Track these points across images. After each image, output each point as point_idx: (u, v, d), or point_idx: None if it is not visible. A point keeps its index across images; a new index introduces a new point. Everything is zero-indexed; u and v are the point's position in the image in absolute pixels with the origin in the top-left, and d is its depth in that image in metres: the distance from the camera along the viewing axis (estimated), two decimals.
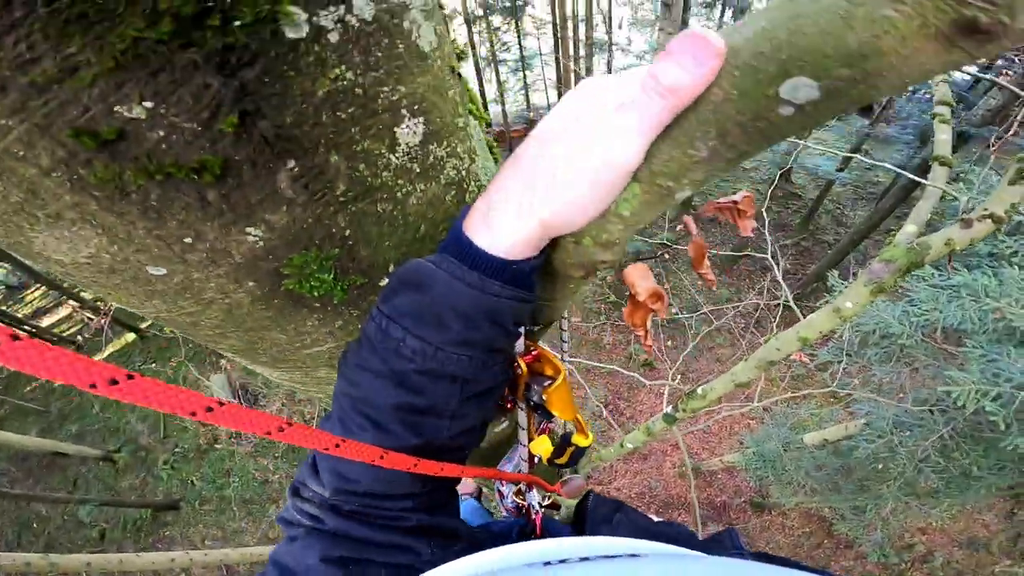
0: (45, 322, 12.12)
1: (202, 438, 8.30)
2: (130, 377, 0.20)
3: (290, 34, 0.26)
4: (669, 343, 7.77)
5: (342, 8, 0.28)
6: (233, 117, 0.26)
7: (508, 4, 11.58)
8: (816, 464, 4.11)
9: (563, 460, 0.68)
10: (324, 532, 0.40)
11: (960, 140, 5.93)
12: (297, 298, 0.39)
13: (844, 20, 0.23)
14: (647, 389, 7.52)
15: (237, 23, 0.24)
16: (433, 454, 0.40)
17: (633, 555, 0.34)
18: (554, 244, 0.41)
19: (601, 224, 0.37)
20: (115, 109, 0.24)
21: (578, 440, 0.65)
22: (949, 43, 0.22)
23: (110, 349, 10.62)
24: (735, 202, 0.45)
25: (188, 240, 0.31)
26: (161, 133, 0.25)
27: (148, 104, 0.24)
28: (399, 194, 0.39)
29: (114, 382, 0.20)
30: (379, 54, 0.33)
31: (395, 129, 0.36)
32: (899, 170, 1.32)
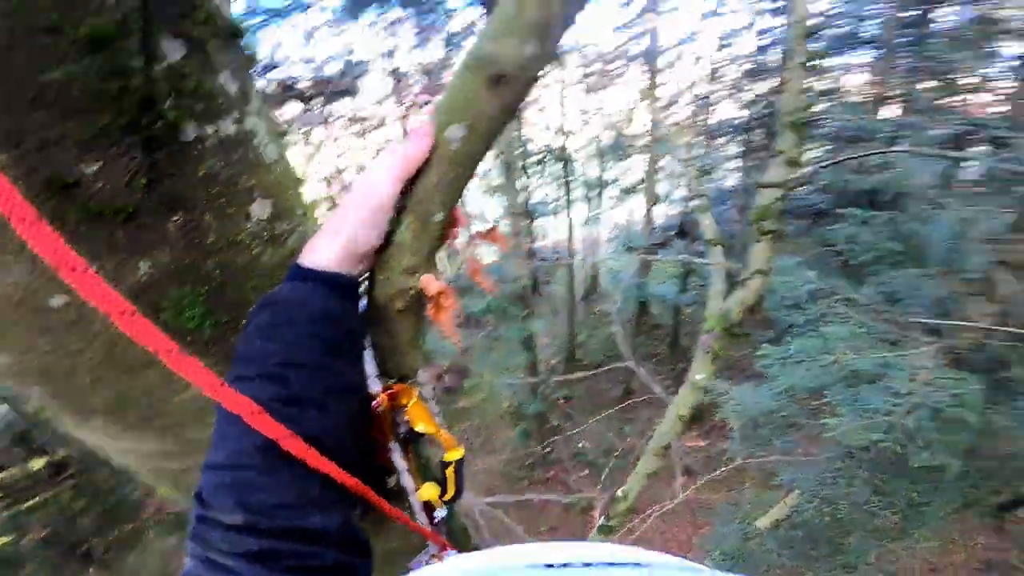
0: None
1: None
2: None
3: (183, 137, 0.48)
4: (585, 473, 7.73)
5: (216, 126, 0.51)
6: (144, 178, 0.45)
7: None
8: (780, 543, 4.06)
9: (451, 493, 0.70)
10: None
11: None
12: (173, 331, 0.51)
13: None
14: (590, 533, 7.14)
15: (159, 124, 0.45)
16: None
17: (637, 564, 0.35)
18: (374, 284, 0.57)
19: (399, 255, 0.55)
20: (79, 164, 0.42)
21: (451, 455, 0.67)
22: None
23: None
24: (490, 230, 0.69)
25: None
26: (101, 185, 0.44)
27: (99, 164, 0.43)
28: (254, 251, 0.57)
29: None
30: (236, 156, 0.55)
31: (250, 206, 0.57)
32: (694, 258, 1.76)
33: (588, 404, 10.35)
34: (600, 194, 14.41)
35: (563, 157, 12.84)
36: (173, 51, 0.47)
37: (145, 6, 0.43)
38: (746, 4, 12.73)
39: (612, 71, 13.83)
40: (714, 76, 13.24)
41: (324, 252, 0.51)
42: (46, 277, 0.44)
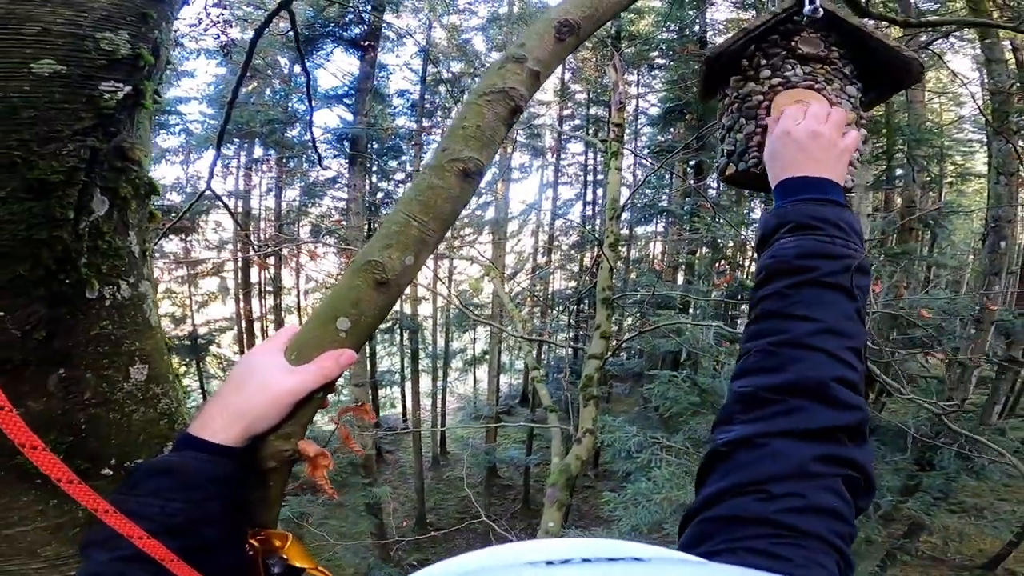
0: None
1: None
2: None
3: (88, 295, 0.49)
4: None
5: (116, 287, 0.53)
6: (43, 332, 0.44)
7: None
8: None
9: None
10: None
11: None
12: (23, 473, 0.47)
13: None
14: None
15: (69, 281, 0.46)
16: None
17: (637, 559, 0.34)
18: (255, 449, 0.59)
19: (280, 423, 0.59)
20: None
21: None
22: None
23: None
24: (360, 406, 0.76)
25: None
26: None
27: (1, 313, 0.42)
28: (127, 410, 0.56)
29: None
30: (128, 319, 0.56)
31: (130, 368, 0.56)
32: (533, 424, 1.94)
33: None
34: (447, 364, 14.72)
35: (412, 326, 13.15)
36: (99, 207, 0.50)
37: (93, 158, 0.47)
38: (577, 176, 15.60)
39: (463, 237, 15.36)
40: (551, 246, 15.44)
41: (224, 431, 0.54)
42: None
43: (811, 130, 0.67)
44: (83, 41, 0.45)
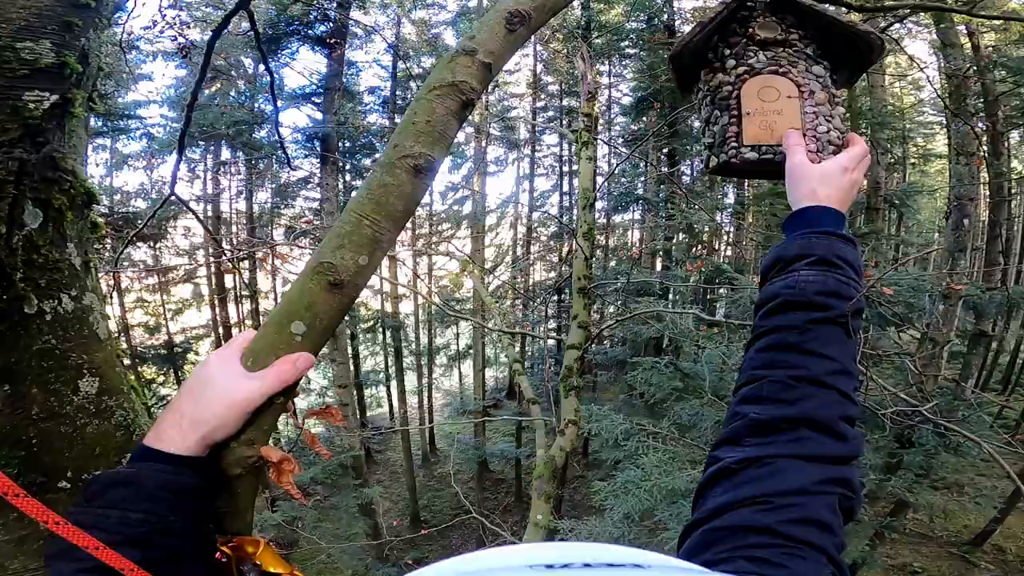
0: None
1: None
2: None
3: (27, 310, 0.48)
4: None
5: (57, 300, 0.51)
6: None
7: None
8: None
9: None
10: None
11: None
12: None
13: None
14: None
15: (6, 297, 0.45)
16: None
17: (637, 565, 0.34)
18: (219, 457, 0.58)
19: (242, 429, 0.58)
20: None
21: None
22: None
23: None
24: (325, 409, 0.75)
25: None
26: None
27: None
28: (79, 423, 0.55)
29: None
30: (72, 332, 0.55)
31: (79, 381, 0.55)
32: (519, 417, 1.94)
33: None
34: (431, 360, 14.65)
35: (394, 324, 13.05)
36: (32, 219, 0.49)
37: (22, 169, 0.46)
38: (552, 167, 15.66)
39: (441, 233, 15.25)
40: (529, 238, 15.44)
41: (181, 441, 0.53)
42: None
43: (843, 166, 0.71)
44: (2, 52, 0.44)
